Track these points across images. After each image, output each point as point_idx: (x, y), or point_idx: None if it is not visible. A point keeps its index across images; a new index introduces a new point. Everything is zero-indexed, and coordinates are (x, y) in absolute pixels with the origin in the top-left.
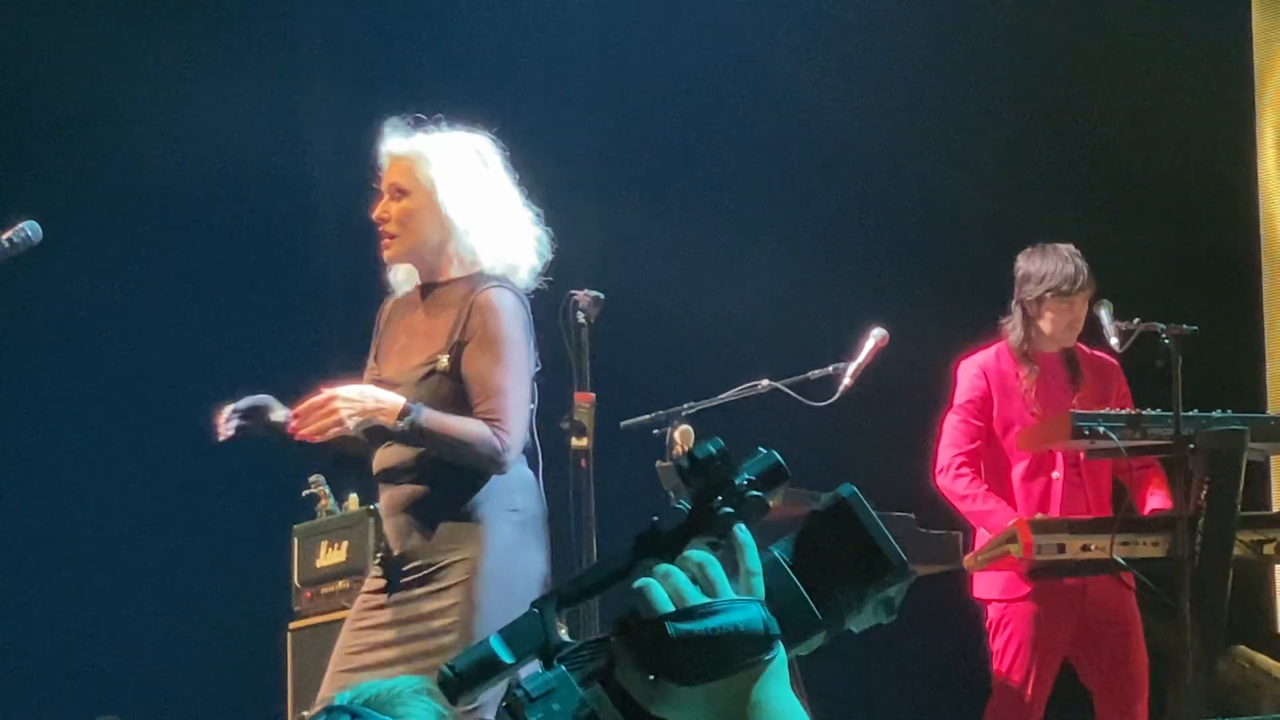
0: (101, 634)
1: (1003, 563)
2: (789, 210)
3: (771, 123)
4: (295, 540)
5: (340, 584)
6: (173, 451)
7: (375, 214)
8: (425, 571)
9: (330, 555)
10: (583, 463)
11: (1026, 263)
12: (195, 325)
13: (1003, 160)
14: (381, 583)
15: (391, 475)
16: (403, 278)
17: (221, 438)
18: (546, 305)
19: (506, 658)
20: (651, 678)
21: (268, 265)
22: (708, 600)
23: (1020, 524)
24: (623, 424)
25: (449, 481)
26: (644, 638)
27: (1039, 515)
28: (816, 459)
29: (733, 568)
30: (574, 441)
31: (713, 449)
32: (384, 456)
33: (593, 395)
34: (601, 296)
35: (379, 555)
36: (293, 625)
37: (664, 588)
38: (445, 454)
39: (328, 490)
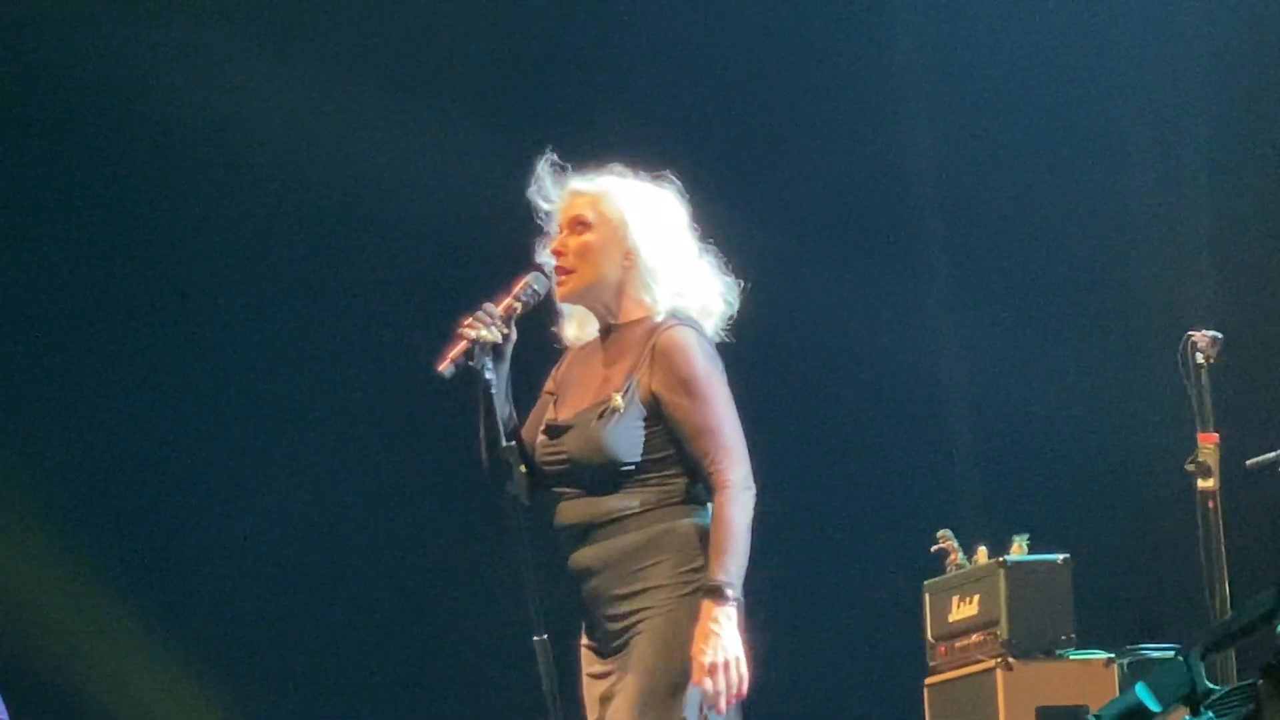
0: None
1: None
2: None
3: None
4: (926, 596)
5: (974, 637)
6: (802, 510)
7: (553, 248)
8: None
9: (962, 609)
10: (1210, 504)
11: None
12: None
13: None
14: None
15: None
16: (574, 332)
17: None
18: (1165, 347)
19: (1154, 706)
20: None
21: None
22: None
23: None
24: (1248, 462)
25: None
26: None
27: None
28: None
29: None
30: (1200, 483)
31: None
32: (572, 511)
33: (1217, 436)
34: (1219, 336)
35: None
36: (928, 680)
37: None
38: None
39: (956, 544)
